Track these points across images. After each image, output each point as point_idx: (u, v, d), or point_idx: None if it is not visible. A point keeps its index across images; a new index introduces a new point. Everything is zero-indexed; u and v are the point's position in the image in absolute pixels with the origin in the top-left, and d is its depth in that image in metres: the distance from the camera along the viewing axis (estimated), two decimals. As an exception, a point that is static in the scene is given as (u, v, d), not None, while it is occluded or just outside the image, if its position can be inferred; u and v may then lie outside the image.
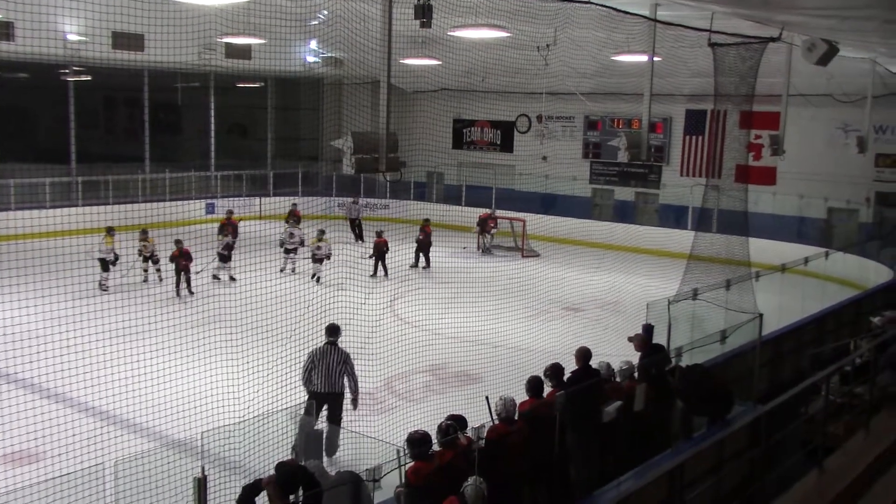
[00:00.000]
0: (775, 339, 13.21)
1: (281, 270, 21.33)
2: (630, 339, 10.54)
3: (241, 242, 21.74)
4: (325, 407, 10.50)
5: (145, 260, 20.28)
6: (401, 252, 22.12)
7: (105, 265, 19.54)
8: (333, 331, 10.92)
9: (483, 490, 6.47)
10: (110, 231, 20.02)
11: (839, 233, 25.51)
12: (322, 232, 21.20)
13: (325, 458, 9.64)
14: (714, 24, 12.93)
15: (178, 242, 19.40)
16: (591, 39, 19.25)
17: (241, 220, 24.30)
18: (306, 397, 10.37)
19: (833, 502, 8.11)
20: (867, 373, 10.54)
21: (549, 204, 29.52)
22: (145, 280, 20.35)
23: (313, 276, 20.47)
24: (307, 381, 10.64)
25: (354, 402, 10.76)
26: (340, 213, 30.84)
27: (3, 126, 26.89)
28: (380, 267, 22.16)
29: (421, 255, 23.52)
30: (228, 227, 23.35)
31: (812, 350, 13.51)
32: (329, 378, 10.50)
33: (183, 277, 19.24)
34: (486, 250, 26.75)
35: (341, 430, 10.00)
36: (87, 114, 29.92)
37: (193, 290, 19.19)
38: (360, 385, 10.89)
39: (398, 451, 6.37)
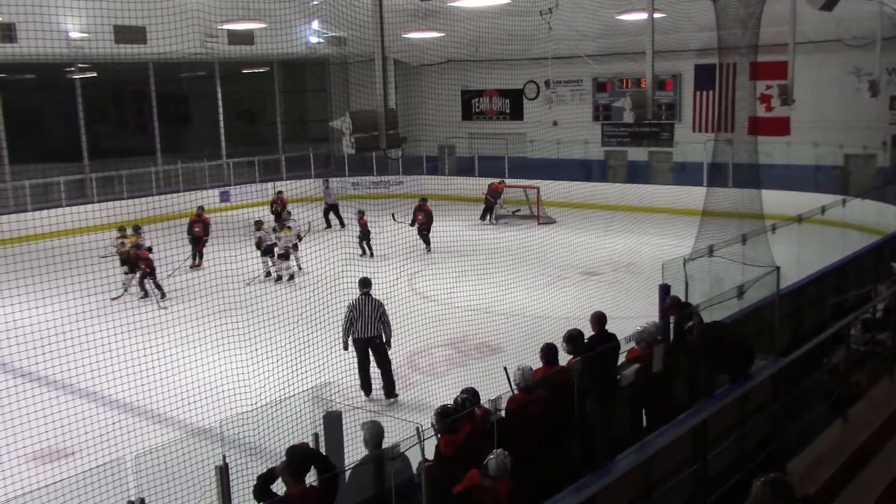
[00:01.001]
0: (795, 291, 13.09)
1: (268, 276, 19.56)
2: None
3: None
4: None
5: (123, 262, 18.64)
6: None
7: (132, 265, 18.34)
8: (366, 283, 12.12)
9: (507, 464, 6.46)
10: (137, 229, 19.13)
11: (856, 179, 25.19)
12: (259, 222, 20.00)
13: (385, 400, 11.83)
14: (714, -24, 12.73)
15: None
16: (592, 0, 19.04)
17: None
18: (325, 377, 10.43)
19: (858, 451, 8.06)
20: (890, 319, 10.45)
21: (563, 169, 29.34)
22: (126, 290, 18.35)
23: (268, 274, 19.41)
24: (347, 330, 11.83)
25: (388, 343, 11.97)
26: (354, 193, 30.91)
27: (15, 128, 27.02)
28: (365, 247, 21.56)
29: (423, 236, 22.33)
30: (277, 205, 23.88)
31: (833, 299, 13.38)
32: (368, 325, 11.74)
33: (149, 283, 17.83)
34: (498, 217, 26.73)
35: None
36: (95, 110, 30.03)
37: (165, 291, 17.93)
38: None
39: (418, 429, 6.38)
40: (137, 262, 17.95)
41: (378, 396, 11.91)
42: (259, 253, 19.76)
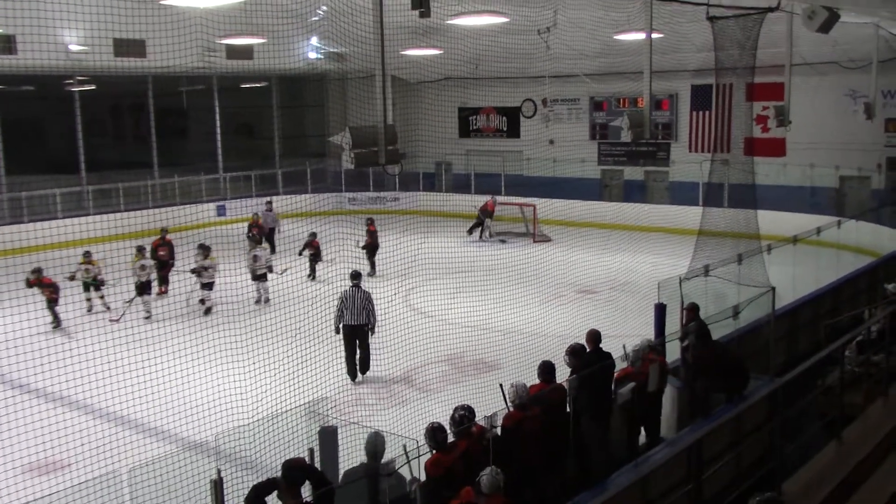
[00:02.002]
0: (791, 312, 13.14)
1: (257, 302, 18.51)
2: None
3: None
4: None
5: (87, 288, 17.80)
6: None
7: (141, 288, 17.67)
8: (356, 276, 13.78)
9: (499, 481, 6.45)
10: (140, 250, 18.24)
11: (851, 201, 25.30)
12: (206, 248, 18.32)
13: (359, 377, 13.34)
14: (711, -3, 12.83)
15: (35, 272, 16.59)
16: (591, 20, 19.17)
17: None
18: (320, 392, 10.41)
19: (852, 473, 8.07)
20: (884, 341, 10.48)
21: (559, 187, 29.42)
22: (90, 310, 17.85)
23: (202, 303, 18.01)
24: (339, 317, 13.22)
25: (372, 330, 13.36)
26: (351, 209, 30.94)
27: (12, 139, 27.03)
28: (316, 268, 20.75)
29: (368, 259, 21.41)
30: (255, 229, 22.76)
31: (828, 321, 13.42)
32: (357, 313, 13.18)
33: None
34: (490, 235, 26.71)
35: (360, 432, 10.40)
36: (93, 122, 30.05)
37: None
38: (378, 374, 12.84)
39: (404, 447, 6.37)
40: (43, 290, 16.49)
41: (370, 403, 11.87)
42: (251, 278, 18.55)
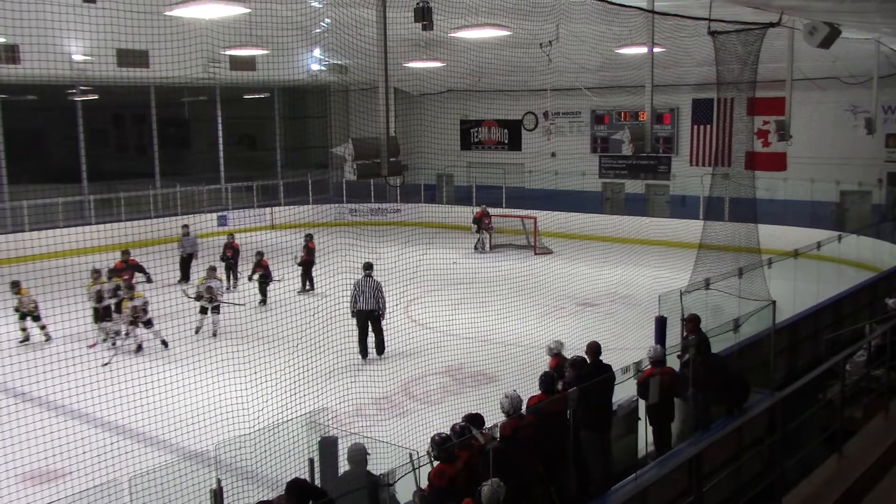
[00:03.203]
0: (791, 326, 13.15)
1: (196, 331, 16.58)
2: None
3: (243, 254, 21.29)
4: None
5: (23, 317, 16.32)
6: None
7: (100, 315, 16.30)
8: (369, 266, 15.24)
9: (500, 494, 6.44)
10: (97, 274, 17.02)
11: (852, 215, 25.34)
12: (213, 269, 17.46)
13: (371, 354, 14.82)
14: (713, 13, 12.87)
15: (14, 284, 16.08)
16: (593, 34, 19.23)
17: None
18: (320, 402, 10.41)
19: (853, 487, 8.07)
20: (885, 356, 10.48)
21: (560, 200, 29.45)
22: (25, 340, 16.33)
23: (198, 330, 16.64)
24: (353, 303, 14.79)
25: (383, 315, 14.89)
26: (353, 220, 30.97)
27: (15, 148, 27.07)
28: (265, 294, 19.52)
29: (305, 276, 20.88)
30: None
31: (829, 335, 13.42)
32: (368, 300, 14.71)
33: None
34: (482, 249, 26.65)
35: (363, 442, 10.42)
36: (96, 132, 30.10)
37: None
38: (377, 388, 12.39)
39: (411, 455, 6.37)
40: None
41: (370, 413, 11.86)
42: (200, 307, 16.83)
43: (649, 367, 9.51)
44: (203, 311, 16.68)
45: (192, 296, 16.75)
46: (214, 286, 16.81)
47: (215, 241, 24.37)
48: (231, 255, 21.25)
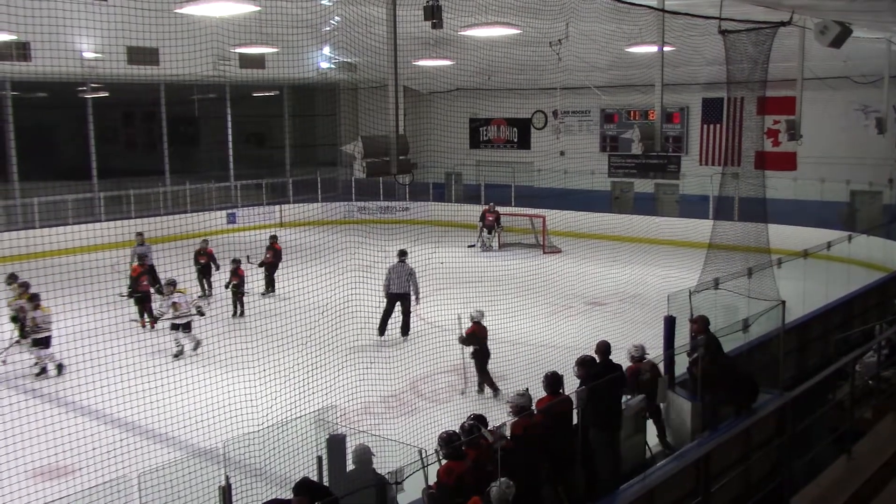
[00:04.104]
0: (801, 326, 13.11)
1: (175, 356, 15.10)
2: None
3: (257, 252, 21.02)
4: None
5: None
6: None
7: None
8: (403, 253, 16.40)
9: (509, 494, 6.43)
10: (13, 281, 15.82)
11: (862, 216, 25.22)
12: (172, 283, 15.64)
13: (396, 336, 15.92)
14: (724, 11, 12.84)
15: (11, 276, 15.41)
16: (603, 32, 19.20)
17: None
18: (329, 400, 10.45)
19: (862, 488, 8.04)
20: (895, 356, 10.45)
21: (569, 199, 29.40)
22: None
23: (178, 355, 15.14)
24: (387, 286, 15.95)
25: (417, 299, 16.21)
26: (361, 218, 31.00)
27: (25, 145, 27.18)
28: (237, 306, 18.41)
29: (269, 277, 20.23)
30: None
31: (838, 335, 13.38)
32: (400, 283, 15.95)
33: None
34: (487, 247, 26.61)
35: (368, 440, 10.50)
36: (106, 129, 30.20)
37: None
38: (384, 387, 12.46)
39: (420, 453, 6.38)
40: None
41: (379, 412, 11.87)
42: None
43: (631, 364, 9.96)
44: (174, 328, 15.20)
45: (156, 315, 15.47)
46: (179, 301, 15.24)
47: (224, 238, 24.40)
48: (205, 262, 19.78)
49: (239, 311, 18.25)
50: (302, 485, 6.33)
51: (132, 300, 17.31)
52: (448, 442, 7.05)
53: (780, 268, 13.44)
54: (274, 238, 20.80)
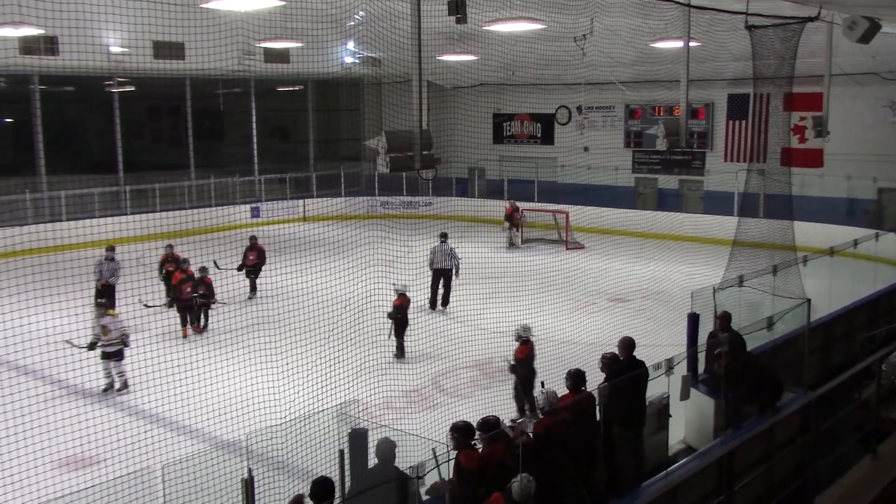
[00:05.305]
0: (826, 324, 12.98)
1: (104, 391, 13.13)
2: None
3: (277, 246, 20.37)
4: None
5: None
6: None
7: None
8: (444, 235, 18.73)
9: (531, 489, 6.42)
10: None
11: (890, 213, 24.93)
12: (101, 304, 14.17)
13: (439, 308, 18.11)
14: (750, 6, 12.73)
15: None
16: (627, 27, 19.12)
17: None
18: (351, 394, 10.49)
19: (888, 488, 7.96)
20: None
21: (593, 195, 29.30)
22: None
23: (108, 389, 13.21)
24: (431, 263, 18.21)
25: (457, 273, 18.15)
26: (384, 213, 31.02)
27: (53, 139, 27.45)
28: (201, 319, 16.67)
29: (252, 279, 19.59)
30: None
31: (864, 334, 13.25)
32: (442, 260, 18.17)
33: None
34: (513, 244, 26.56)
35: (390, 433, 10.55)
36: (132, 123, 30.42)
37: None
38: (407, 381, 12.67)
39: (434, 451, 6.37)
40: None
41: (400, 406, 11.93)
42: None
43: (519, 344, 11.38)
44: (105, 356, 13.25)
45: (85, 346, 13.19)
46: (109, 325, 13.32)
47: (248, 232, 24.55)
48: (172, 269, 17.55)
49: (203, 324, 16.44)
50: (317, 483, 6.29)
51: (174, 308, 16.44)
52: (463, 431, 7.07)
53: (805, 265, 13.32)
54: (254, 238, 19.86)
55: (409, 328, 14.73)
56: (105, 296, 16.31)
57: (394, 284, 14.89)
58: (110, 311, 13.91)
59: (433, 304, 18.16)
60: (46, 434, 10.19)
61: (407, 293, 14.97)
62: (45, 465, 9.68)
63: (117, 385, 13.24)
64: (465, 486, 6.80)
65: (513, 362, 11.47)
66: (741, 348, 9.77)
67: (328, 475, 6.52)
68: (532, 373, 11.63)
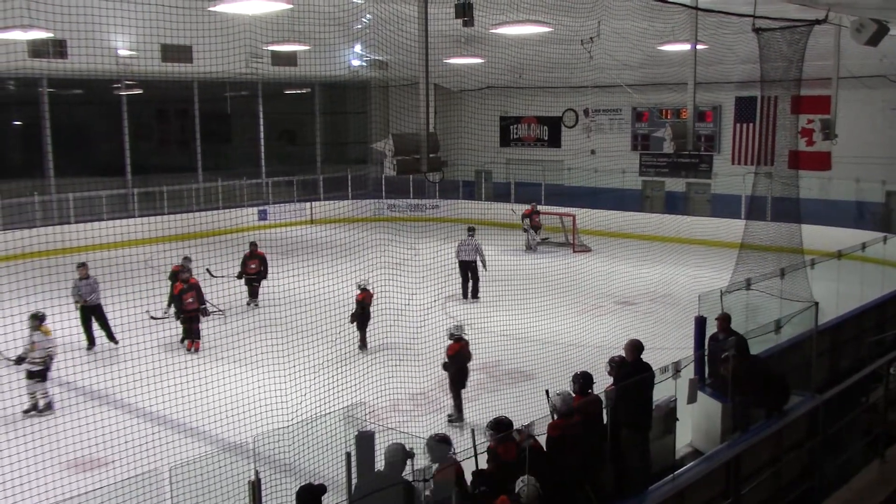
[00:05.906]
0: (834, 328, 12.93)
1: (25, 412, 12.21)
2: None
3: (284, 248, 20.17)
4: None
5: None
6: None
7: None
8: (472, 229, 20.06)
9: (538, 489, 6.42)
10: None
11: (899, 217, 24.88)
12: (37, 318, 12.60)
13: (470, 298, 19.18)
14: (758, 9, 12.72)
15: None
16: (635, 30, 19.10)
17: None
18: (357, 397, 10.50)
19: (895, 493, 7.94)
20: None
21: (600, 198, 29.28)
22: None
23: (30, 410, 12.30)
24: (458, 254, 19.28)
25: (484, 266, 19.34)
26: (391, 216, 31.05)
27: (61, 141, 27.56)
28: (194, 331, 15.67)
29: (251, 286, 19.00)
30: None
31: (872, 337, 13.21)
32: (468, 253, 19.29)
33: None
34: (531, 247, 26.52)
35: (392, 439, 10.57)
36: (140, 126, 30.51)
37: None
38: (414, 384, 12.47)
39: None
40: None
41: (407, 409, 11.95)
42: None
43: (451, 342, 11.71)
44: (30, 376, 12.35)
45: (13, 359, 12.33)
46: (37, 342, 12.32)
47: (254, 235, 24.60)
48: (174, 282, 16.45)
49: (194, 336, 15.56)
50: (304, 489, 6.23)
51: (179, 320, 15.77)
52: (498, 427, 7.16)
53: (813, 269, 13.29)
54: (254, 245, 19.15)
55: (370, 321, 15.25)
56: (93, 318, 15.51)
57: (357, 281, 15.46)
58: (43, 328, 12.57)
59: (465, 295, 19.30)
60: (57, 436, 10.24)
61: (369, 288, 15.35)
62: (55, 467, 9.72)
63: (41, 406, 12.33)
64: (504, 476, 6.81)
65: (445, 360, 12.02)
66: (745, 351, 9.75)
67: (335, 478, 6.52)
68: (463, 371, 12.03)
